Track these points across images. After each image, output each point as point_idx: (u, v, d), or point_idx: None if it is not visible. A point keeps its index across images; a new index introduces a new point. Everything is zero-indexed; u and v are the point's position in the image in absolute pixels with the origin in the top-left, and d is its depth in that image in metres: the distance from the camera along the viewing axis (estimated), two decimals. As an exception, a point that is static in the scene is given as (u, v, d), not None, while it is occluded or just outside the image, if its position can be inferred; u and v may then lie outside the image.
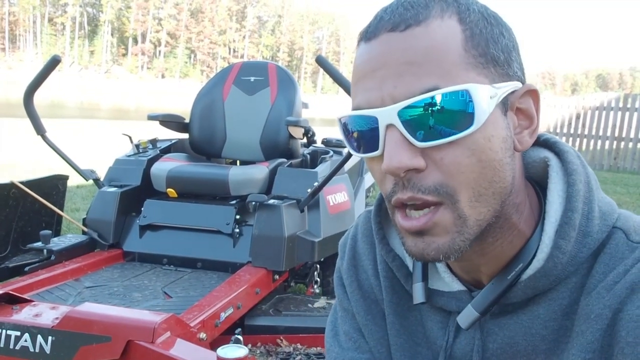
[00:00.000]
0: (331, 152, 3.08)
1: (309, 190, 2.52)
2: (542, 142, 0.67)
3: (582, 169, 0.63)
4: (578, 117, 10.77)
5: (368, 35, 0.58)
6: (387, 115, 0.54)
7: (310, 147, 3.25)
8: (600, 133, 10.55)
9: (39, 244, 2.35)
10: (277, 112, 3.02)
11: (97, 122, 15.31)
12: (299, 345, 2.20)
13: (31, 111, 2.58)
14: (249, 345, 2.17)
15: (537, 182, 0.66)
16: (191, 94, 3.26)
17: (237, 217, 2.53)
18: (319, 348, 2.18)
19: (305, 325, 2.24)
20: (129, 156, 2.90)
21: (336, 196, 2.72)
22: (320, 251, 2.49)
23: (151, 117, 3.04)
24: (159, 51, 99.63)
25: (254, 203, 2.45)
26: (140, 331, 1.50)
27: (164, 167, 2.69)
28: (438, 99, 0.53)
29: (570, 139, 10.86)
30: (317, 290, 2.85)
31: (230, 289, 2.11)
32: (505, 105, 0.57)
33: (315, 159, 3.08)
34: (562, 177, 0.62)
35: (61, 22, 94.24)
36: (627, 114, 10.28)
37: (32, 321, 1.58)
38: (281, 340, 2.21)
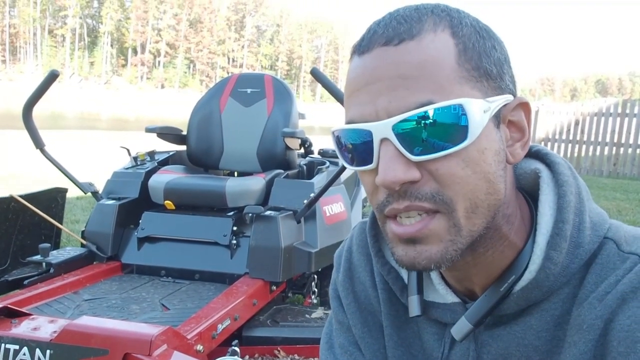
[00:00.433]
0: (327, 163, 3.10)
1: (305, 201, 2.54)
2: (534, 154, 0.68)
3: (573, 180, 0.63)
4: (577, 123, 10.71)
5: (361, 49, 0.58)
6: (381, 130, 0.54)
7: (307, 158, 3.27)
8: (600, 139, 10.49)
9: (38, 257, 2.36)
10: (274, 124, 3.04)
11: (98, 134, 15.35)
12: (296, 356, 2.20)
13: (30, 125, 2.60)
14: (247, 357, 2.18)
15: (529, 193, 0.66)
16: (190, 103, 3.29)
17: (234, 228, 2.55)
18: (316, 359, 2.19)
19: (302, 336, 2.24)
20: (127, 169, 2.92)
21: (332, 207, 2.74)
22: (317, 262, 2.51)
23: (149, 130, 3.06)
24: (159, 61, 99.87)
25: (250, 214, 2.47)
26: (137, 344, 1.51)
27: (161, 179, 2.71)
28: (432, 113, 0.53)
29: (570, 145, 10.81)
30: (315, 301, 2.86)
31: (228, 301, 2.13)
32: (497, 118, 0.57)
33: (311, 170, 3.10)
34: (553, 189, 0.63)
35: (61, 34, 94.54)
36: (626, 119, 10.22)
37: (30, 335, 1.59)
38: (279, 351, 2.22)
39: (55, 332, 1.59)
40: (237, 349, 1.89)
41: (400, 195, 0.55)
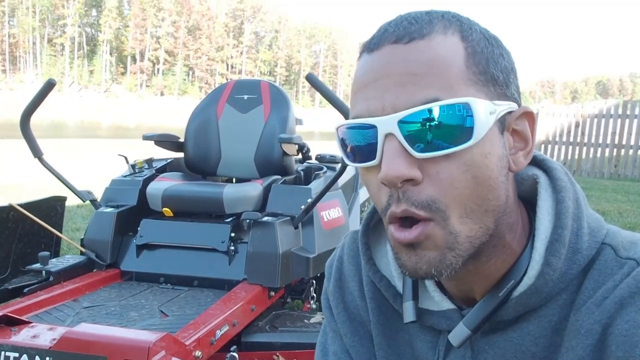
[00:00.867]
0: (325, 169, 3.11)
1: (302, 206, 2.55)
2: (531, 160, 0.68)
3: (570, 186, 0.64)
4: (577, 125, 10.71)
5: (371, 46, 0.59)
6: (387, 124, 0.55)
7: (304, 164, 3.28)
8: (600, 141, 10.48)
9: (37, 266, 2.37)
10: (271, 130, 3.06)
11: (98, 142, 15.38)
12: (295, 361, 2.21)
13: (28, 134, 2.62)
14: (245, 362, 2.19)
15: (526, 199, 0.67)
16: (190, 110, 3.31)
17: (232, 234, 2.56)
18: (314, 364, 2.19)
19: (301, 341, 2.24)
20: (125, 176, 2.93)
21: (330, 212, 2.75)
22: (315, 267, 2.51)
23: (146, 138, 3.07)
24: (158, 69, 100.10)
25: (248, 220, 2.48)
26: (136, 351, 1.52)
27: (159, 186, 2.72)
28: (438, 110, 0.53)
29: (570, 147, 10.80)
30: (314, 306, 2.87)
31: (226, 307, 2.14)
32: (502, 124, 0.58)
33: (309, 176, 3.11)
34: (551, 195, 0.63)
35: (60, 43, 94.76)
36: (627, 121, 10.21)
37: (30, 342, 1.60)
38: (277, 356, 2.22)
39: (54, 339, 1.60)
40: (235, 354, 1.91)
41: (400, 197, 0.56)
